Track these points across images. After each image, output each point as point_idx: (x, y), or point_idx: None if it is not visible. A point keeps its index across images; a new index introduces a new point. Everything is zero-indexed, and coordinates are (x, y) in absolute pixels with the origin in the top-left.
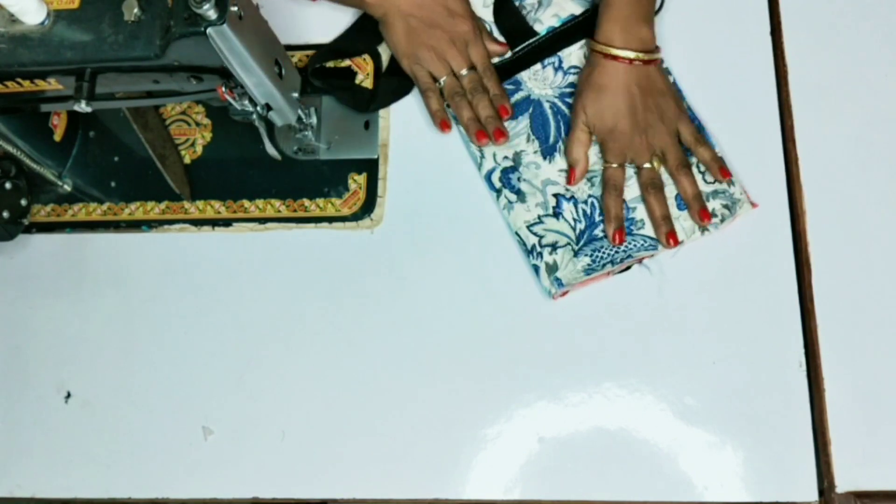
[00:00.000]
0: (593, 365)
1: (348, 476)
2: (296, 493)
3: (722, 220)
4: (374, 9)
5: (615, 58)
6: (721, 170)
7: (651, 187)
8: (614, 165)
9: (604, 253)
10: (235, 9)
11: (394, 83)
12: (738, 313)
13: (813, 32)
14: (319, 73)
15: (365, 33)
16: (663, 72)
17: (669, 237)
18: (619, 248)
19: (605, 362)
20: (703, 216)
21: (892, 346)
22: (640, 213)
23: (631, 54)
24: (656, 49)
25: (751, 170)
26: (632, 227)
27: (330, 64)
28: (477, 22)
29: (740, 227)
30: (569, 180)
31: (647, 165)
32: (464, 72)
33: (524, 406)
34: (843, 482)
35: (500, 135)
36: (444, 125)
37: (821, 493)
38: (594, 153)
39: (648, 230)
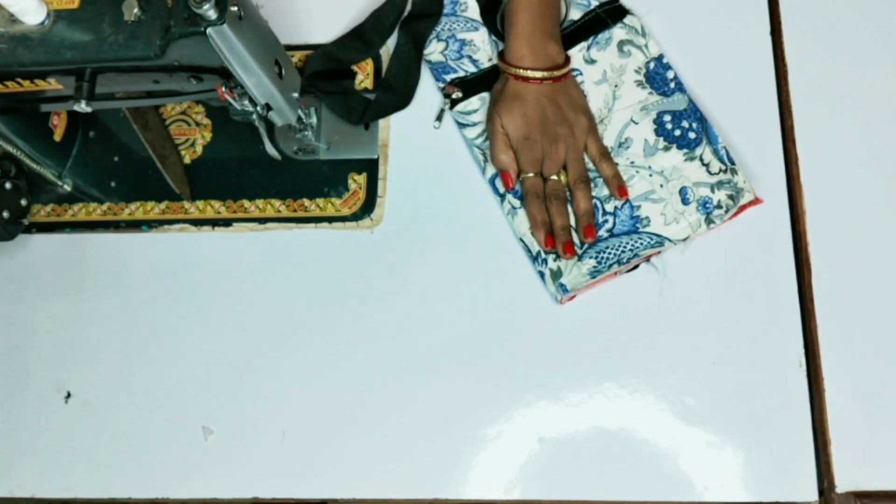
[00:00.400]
0: (593, 365)
1: (348, 476)
2: (296, 493)
3: (727, 211)
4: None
5: (526, 79)
6: (620, 188)
7: (555, 198)
8: (531, 175)
9: (609, 254)
10: (235, 9)
11: (390, 98)
12: (738, 313)
13: (813, 32)
14: (317, 76)
15: (364, 40)
16: (577, 85)
17: (566, 248)
18: (625, 247)
19: (605, 362)
20: (587, 233)
21: (892, 346)
22: (646, 210)
23: (539, 74)
24: (566, 63)
25: (751, 170)
26: (637, 225)
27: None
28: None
29: (740, 228)
30: (506, 186)
31: (553, 178)
32: (554, 177)
33: (524, 406)
34: (843, 482)
35: (570, 250)
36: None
37: (821, 493)
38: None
39: (654, 227)
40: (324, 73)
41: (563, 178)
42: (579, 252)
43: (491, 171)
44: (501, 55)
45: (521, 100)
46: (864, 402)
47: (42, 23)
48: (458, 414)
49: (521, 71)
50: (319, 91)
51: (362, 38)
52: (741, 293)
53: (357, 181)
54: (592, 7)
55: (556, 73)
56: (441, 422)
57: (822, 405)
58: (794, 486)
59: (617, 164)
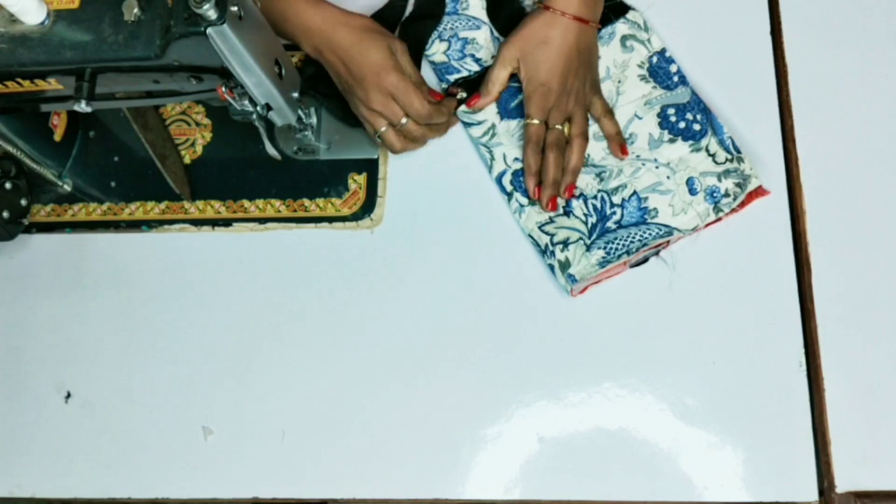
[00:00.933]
0: (593, 365)
1: (348, 476)
2: (296, 493)
3: (735, 199)
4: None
5: (576, 18)
6: (621, 146)
7: (556, 148)
8: (536, 122)
9: (618, 244)
10: (235, 9)
11: (419, 27)
12: (738, 313)
13: (813, 32)
14: (313, 79)
15: None
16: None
17: (550, 201)
18: (634, 237)
19: (606, 362)
20: (568, 191)
21: (892, 346)
22: (653, 201)
23: (589, 16)
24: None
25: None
26: (645, 217)
27: None
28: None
29: (741, 228)
30: (469, 102)
31: (558, 127)
32: (557, 126)
33: (524, 406)
34: (843, 482)
35: (555, 205)
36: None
37: (821, 493)
38: (602, 148)
39: (663, 218)
40: (321, 75)
41: (565, 128)
42: (563, 206)
43: (498, 169)
44: None
45: (546, 45)
46: (864, 402)
47: (42, 23)
48: (458, 414)
49: (571, 8)
50: (318, 94)
51: None
52: (741, 293)
53: (357, 181)
54: None
55: (597, 24)
56: (441, 422)
57: (822, 405)
58: (794, 486)
59: (622, 158)
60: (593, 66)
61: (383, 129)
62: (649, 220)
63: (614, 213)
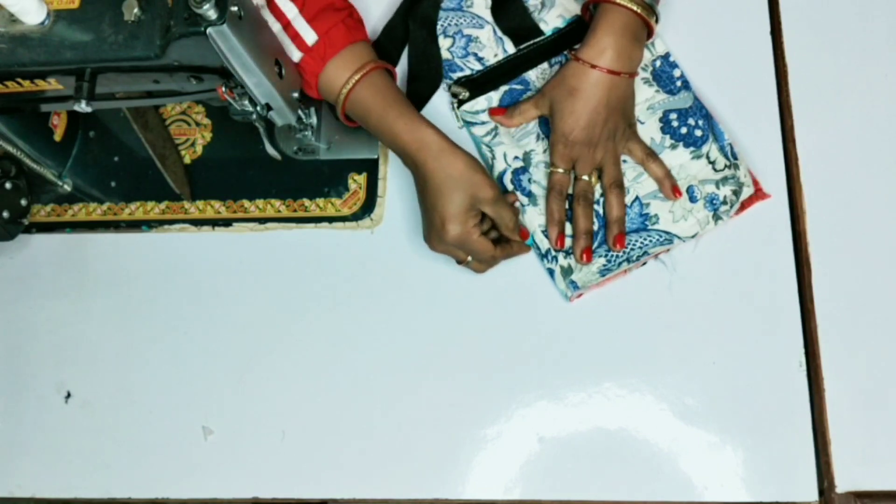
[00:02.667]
0: (593, 365)
1: (348, 476)
2: (296, 493)
3: (731, 207)
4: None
5: (609, 71)
6: (674, 188)
7: (583, 199)
8: (560, 171)
9: (619, 251)
10: (235, 9)
11: (422, 86)
12: (738, 313)
13: (813, 32)
14: None
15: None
16: (632, 85)
17: (584, 253)
18: (634, 245)
19: (606, 362)
20: (617, 241)
21: (892, 346)
22: (655, 208)
23: (623, 69)
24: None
25: (751, 169)
26: (646, 223)
27: None
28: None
29: (741, 228)
30: (493, 111)
31: (584, 178)
32: (585, 177)
33: (524, 406)
34: (843, 482)
35: (589, 257)
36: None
37: (821, 493)
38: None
39: (664, 224)
40: None
41: (593, 179)
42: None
43: (499, 168)
44: (581, 45)
45: (573, 97)
46: (864, 402)
47: (42, 23)
48: (458, 414)
49: (600, 61)
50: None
51: (379, 55)
52: (741, 293)
53: (357, 181)
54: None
55: (631, 72)
56: (441, 422)
57: (822, 405)
58: (794, 486)
59: (625, 160)
60: (627, 115)
61: (462, 263)
62: (650, 227)
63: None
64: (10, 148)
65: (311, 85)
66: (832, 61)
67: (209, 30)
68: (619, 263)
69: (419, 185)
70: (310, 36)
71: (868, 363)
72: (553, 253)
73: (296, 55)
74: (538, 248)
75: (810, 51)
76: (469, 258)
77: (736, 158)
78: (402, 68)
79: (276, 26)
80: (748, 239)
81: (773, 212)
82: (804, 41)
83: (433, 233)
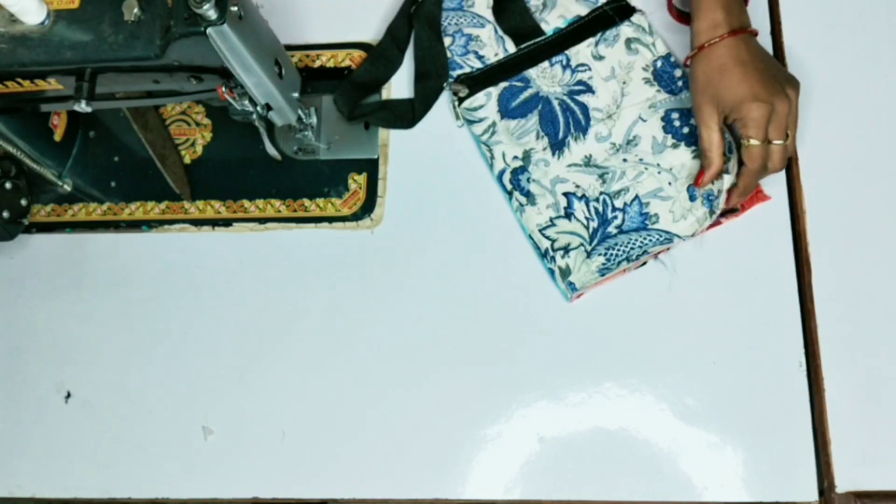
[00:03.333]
0: (593, 365)
1: (348, 476)
2: (296, 493)
3: (719, 197)
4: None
5: (723, 37)
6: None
7: (773, 173)
8: (755, 142)
9: (619, 251)
10: (235, 9)
11: (431, 83)
12: (738, 313)
13: (813, 32)
14: (353, 108)
15: (385, 58)
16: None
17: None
18: (634, 244)
19: (606, 362)
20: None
21: (892, 346)
22: (654, 207)
23: (737, 26)
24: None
25: None
26: (646, 222)
27: (330, 66)
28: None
29: (741, 228)
30: (696, 181)
31: (777, 142)
32: (778, 141)
33: (524, 406)
34: (843, 482)
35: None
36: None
37: (821, 493)
38: (605, 149)
39: (663, 224)
40: (354, 99)
41: (789, 142)
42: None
43: (498, 167)
44: (693, 36)
45: (730, 67)
46: (864, 402)
47: (42, 23)
48: (458, 414)
49: (718, 31)
50: (365, 118)
51: (384, 57)
52: (741, 293)
53: (357, 181)
54: (600, 3)
55: (751, 31)
56: (441, 422)
57: (822, 405)
58: (794, 486)
59: (626, 159)
60: (778, 64)
61: (756, 141)
62: (650, 226)
63: (616, 217)
64: (10, 148)
65: None
66: (832, 61)
67: (209, 30)
68: (619, 262)
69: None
70: None
71: (868, 363)
72: (551, 253)
73: None
74: (538, 248)
75: (810, 51)
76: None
77: (731, 152)
78: (408, 68)
79: None
80: (748, 239)
81: (773, 212)
82: (804, 41)
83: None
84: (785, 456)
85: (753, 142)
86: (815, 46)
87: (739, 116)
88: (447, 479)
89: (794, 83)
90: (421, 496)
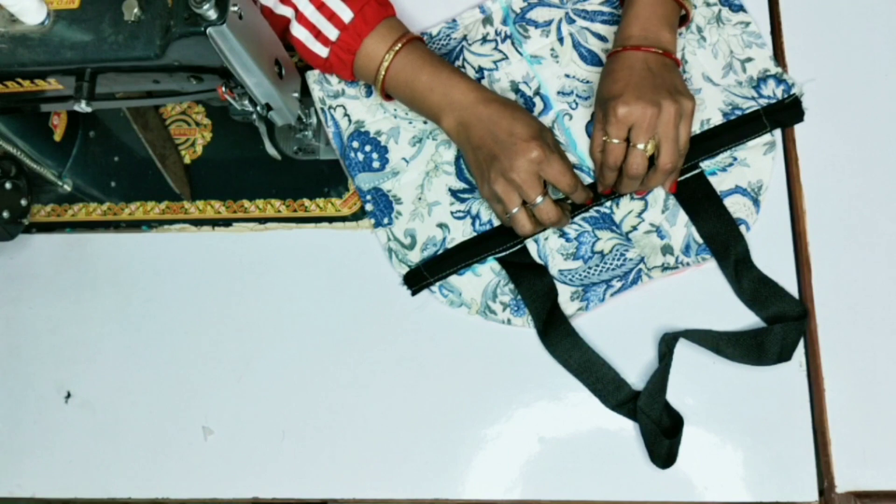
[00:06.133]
0: None
1: (348, 476)
2: (296, 493)
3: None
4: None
5: (628, 48)
6: (675, 183)
7: (632, 178)
8: (615, 141)
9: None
10: (235, 9)
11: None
12: (738, 313)
13: (813, 32)
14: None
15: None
16: (681, 74)
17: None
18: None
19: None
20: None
21: (892, 346)
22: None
23: (646, 44)
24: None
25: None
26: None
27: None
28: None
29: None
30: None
31: (639, 146)
32: (640, 145)
33: (524, 406)
34: (843, 482)
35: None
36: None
37: (821, 493)
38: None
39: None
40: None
41: (650, 147)
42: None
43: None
44: (623, 35)
45: (619, 71)
46: (864, 402)
47: (42, 23)
48: (458, 414)
49: (628, 42)
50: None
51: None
52: None
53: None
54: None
55: (662, 51)
56: (441, 422)
57: (822, 405)
58: (794, 486)
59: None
60: (682, 90)
61: (515, 210)
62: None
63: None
64: (10, 148)
65: (347, 64)
66: (832, 61)
67: (209, 30)
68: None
69: (484, 126)
70: (346, 14)
71: (868, 363)
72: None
73: (333, 34)
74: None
75: (810, 51)
76: (539, 199)
77: None
78: None
79: (308, 9)
80: (748, 239)
81: (773, 212)
82: (804, 41)
83: (515, 154)
84: (785, 456)
85: (613, 140)
86: (815, 46)
87: (605, 113)
88: (447, 479)
89: (683, 102)
90: (421, 496)
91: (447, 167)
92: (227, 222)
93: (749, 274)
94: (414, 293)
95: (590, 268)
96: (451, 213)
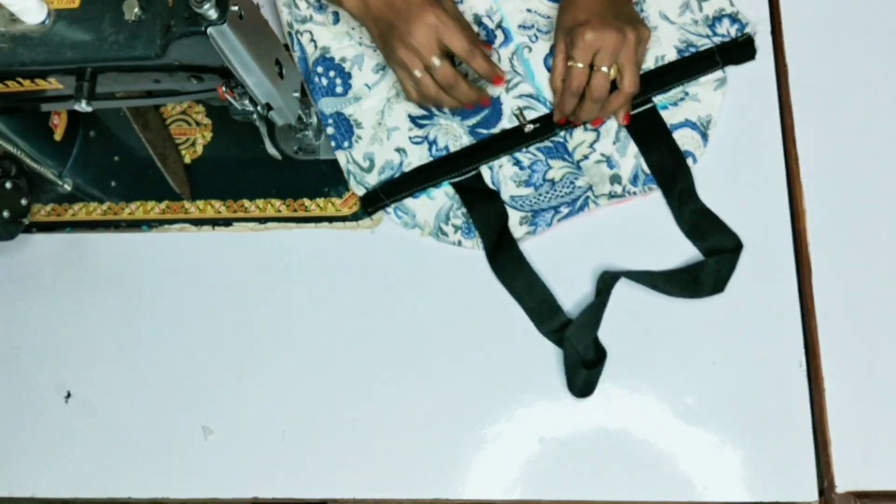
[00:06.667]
0: None
1: (348, 476)
2: (296, 493)
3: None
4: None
5: None
6: (627, 115)
7: (594, 101)
8: (580, 66)
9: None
10: (236, 8)
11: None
12: (738, 313)
13: (813, 32)
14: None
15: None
16: (634, 7)
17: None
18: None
19: (606, 362)
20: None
21: (892, 346)
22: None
23: None
24: None
25: (751, 169)
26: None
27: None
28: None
29: (740, 228)
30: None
31: (604, 69)
32: (436, 62)
33: (524, 406)
34: (843, 482)
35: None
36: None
37: (821, 493)
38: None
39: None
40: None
41: (613, 71)
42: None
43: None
44: None
45: (582, 2)
46: (864, 402)
47: (43, 22)
48: (458, 414)
49: None
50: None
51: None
52: (741, 293)
53: None
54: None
55: None
56: (441, 422)
57: (822, 405)
58: (794, 486)
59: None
60: (639, 21)
61: (418, 72)
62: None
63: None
64: (10, 148)
65: None
66: (832, 61)
67: (209, 29)
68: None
69: (377, 6)
70: None
71: (868, 363)
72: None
73: None
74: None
75: (810, 51)
76: (437, 62)
77: None
78: None
79: None
80: (748, 239)
81: (774, 212)
82: (804, 41)
83: (413, 19)
84: (785, 456)
85: (578, 64)
86: (815, 46)
87: (572, 39)
88: (447, 479)
89: (641, 30)
90: (421, 496)
91: None
92: (227, 222)
93: (691, 205)
94: (370, 214)
95: (540, 195)
96: (410, 138)
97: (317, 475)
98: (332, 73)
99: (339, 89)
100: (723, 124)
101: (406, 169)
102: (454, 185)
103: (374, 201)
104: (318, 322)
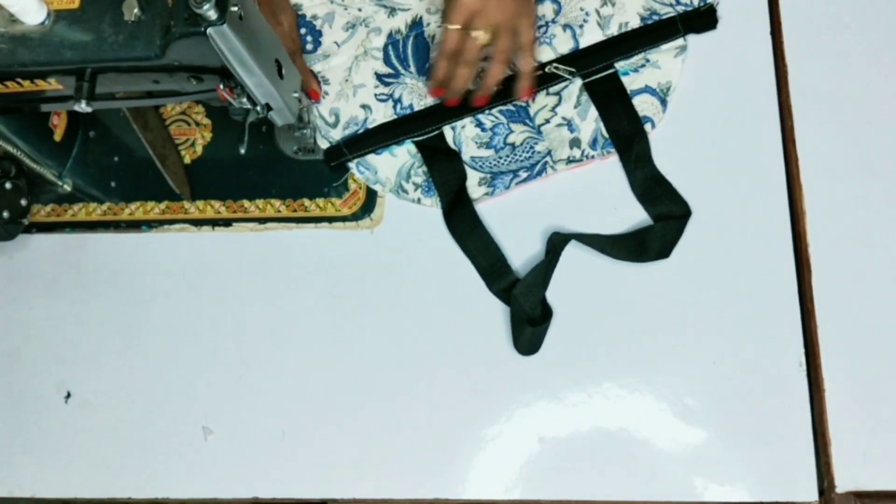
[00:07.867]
0: (593, 365)
1: (348, 476)
2: (296, 493)
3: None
4: None
5: None
6: (525, 89)
7: (466, 58)
8: (452, 27)
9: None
10: (236, 9)
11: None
12: (738, 313)
13: (813, 32)
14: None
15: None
16: None
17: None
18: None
19: (605, 362)
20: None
21: (892, 346)
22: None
23: None
24: None
25: (751, 169)
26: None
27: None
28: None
29: (740, 227)
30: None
31: (476, 33)
32: (481, 33)
33: (524, 406)
34: (843, 482)
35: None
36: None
37: (821, 493)
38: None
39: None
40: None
41: (487, 37)
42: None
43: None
44: None
45: None
46: (864, 402)
47: (42, 23)
48: (458, 414)
49: None
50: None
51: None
52: (741, 293)
53: (357, 181)
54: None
55: None
56: (441, 422)
57: (822, 405)
58: (794, 486)
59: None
60: None
61: (483, 32)
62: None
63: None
64: (10, 148)
65: None
66: (832, 61)
67: (209, 30)
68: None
69: None
70: None
71: (868, 363)
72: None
73: None
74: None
75: (810, 51)
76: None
77: None
78: None
79: None
80: (748, 239)
81: (773, 212)
82: (804, 41)
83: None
84: (785, 456)
85: (451, 27)
86: (815, 46)
87: (449, 1)
88: (447, 479)
89: (525, 4)
90: (421, 496)
91: (376, 52)
92: (227, 222)
93: (645, 170)
94: (333, 169)
95: (500, 157)
96: (375, 95)
97: (317, 475)
98: (302, 31)
99: (308, 46)
100: (722, 125)
101: (370, 125)
102: (416, 143)
103: (338, 155)
104: (318, 322)
